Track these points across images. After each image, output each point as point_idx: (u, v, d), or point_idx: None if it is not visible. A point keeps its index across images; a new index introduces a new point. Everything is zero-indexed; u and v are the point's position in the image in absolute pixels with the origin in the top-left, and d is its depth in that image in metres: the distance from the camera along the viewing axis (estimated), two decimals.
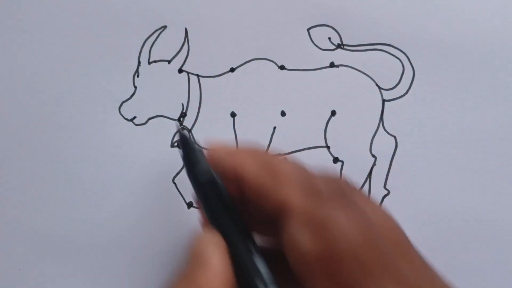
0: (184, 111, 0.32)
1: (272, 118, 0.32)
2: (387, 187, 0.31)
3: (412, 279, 0.19)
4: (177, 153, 0.32)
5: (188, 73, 0.32)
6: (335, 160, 0.31)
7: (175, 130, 0.32)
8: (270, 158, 0.23)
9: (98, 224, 0.31)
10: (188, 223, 0.31)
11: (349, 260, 0.18)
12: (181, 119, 0.32)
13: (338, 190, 0.21)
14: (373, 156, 0.31)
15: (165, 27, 0.32)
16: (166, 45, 0.32)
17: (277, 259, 0.21)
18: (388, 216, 0.22)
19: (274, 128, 0.32)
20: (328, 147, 0.32)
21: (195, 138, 0.32)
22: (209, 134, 0.32)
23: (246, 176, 0.22)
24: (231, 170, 0.23)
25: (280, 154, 0.30)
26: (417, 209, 0.31)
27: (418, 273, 0.20)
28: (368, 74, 0.32)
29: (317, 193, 0.20)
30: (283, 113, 0.32)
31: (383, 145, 0.31)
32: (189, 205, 0.31)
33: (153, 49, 0.32)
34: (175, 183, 0.31)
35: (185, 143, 0.25)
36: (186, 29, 0.32)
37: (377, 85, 0.32)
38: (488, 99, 0.32)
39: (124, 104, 0.32)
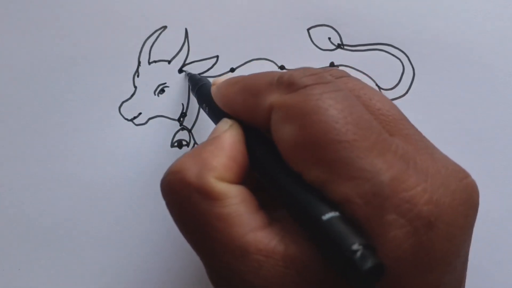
0: (184, 111, 0.32)
1: None
2: None
3: (401, 150, 0.18)
4: (177, 153, 0.32)
5: (188, 73, 0.32)
6: None
7: (175, 130, 0.32)
8: (244, 79, 0.23)
9: (98, 224, 0.31)
10: None
11: (329, 140, 0.18)
12: (181, 119, 0.32)
13: (314, 78, 0.20)
14: None
15: (165, 27, 0.32)
16: (166, 45, 0.32)
17: None
18: (380, 95, 0.21)
19: None
20: None
21: (195, 138, 0.32)
22: (209, 134, 0.32)
23: (234, 105, 0.22)
24: (223, 105, 0.23)
25: None
26: None
27: (409, 144, 0.19)
28: (368, 74, 0.32)
29: (292, 84, 0.20)
30: None
31: None
32: None
33: (153, 49, 0.32)
34: None
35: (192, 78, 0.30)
36: (186, 29, 0.32)
37: (377, 85, 0.32)
38: (488, 99, 0.32)
39: (124, 104, 0.32)
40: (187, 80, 0.32)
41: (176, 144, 0.32)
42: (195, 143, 0.32)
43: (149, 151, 0.32)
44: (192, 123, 0.32)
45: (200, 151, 0.21)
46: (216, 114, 0.24)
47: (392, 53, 0.32)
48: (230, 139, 0.21)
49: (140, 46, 0.32)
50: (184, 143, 0.32)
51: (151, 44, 0.32)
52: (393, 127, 0.20)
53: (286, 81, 0.20)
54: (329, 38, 0.32)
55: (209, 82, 0.29)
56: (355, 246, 0.16)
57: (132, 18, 0.32)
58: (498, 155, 0.31)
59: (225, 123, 0.22)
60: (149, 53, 0.32)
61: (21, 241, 0.31)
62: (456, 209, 0.18)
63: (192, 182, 0.19)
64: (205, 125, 0.32)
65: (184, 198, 0.20)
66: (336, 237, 0.17)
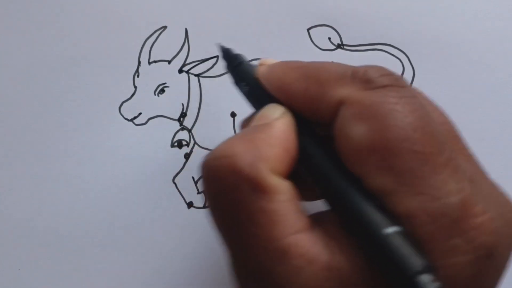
0: (184, 111, 0.32)
1: None
2: None
3: (468, 171, 0.18)
4: (177, 153, 0.32)
5: (188, 73, 0.32)
6: None
7: (175, 130, 0.32)
8: (309, 65, 0.21)
9: (97, 224, 0.31)
10: (188, 223, 0.31)
11: (404, 149, 0.17)
12: (181, 119, 0.32)
13: (392, 79, 0.19)
14: None
15: (165, 27, 0.32)
16: (166, 45, 0.32)
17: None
18: (441, 109, 0.20)
19: None
20: None
21: (195, 138, 0.32)
22: (209, 134, 0.32)
23: (292, 91, 0.20)
24: (276, 89, 0.21)
25: None
26: None
27: (472, 166, 0.19)
28: None
29: (369, 81, 0.18)
30: None
31: None
32: (189, 205, 0.31)
33: (153, 49, 0.32)
34: (175, 183, 0.31)
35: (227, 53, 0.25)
36: (186, 29, 0.32)
37: None
38: (488, 99, 0.32)
39: (124, 104, 0.32)
40: (219, 52, 0.27)
41: (176, 144, 0.32)
42: (195, 143, 0.32)
43: (149, 151, 0.32)
44: (192, 123, 0.32)
45: (252, 137, 0.19)
46: (259, 97, 0.22)
47: (392, 53, 0.32)
48: (284, 129, 0.19)
49: (140, 46, 0.32)
50: (184, 143, 0.32)
51: (151, 44, 0.32)
52: (455, 145, 0.19)
53: (362, 77, 0.18)
54: (329, 38, 0.32)
55: (246, 60, 0.25)
56: (420, 268, 0.15)
57: (132, 18, 0.32)
58: (498, 155, 0.31)
59: (276, 109, 0.20)
60: (149, 53, 0.32)
61: (21, 241, 0.31)
62: (509, 241, 0.18)
63: (243, 170, 0.18)
64: (205, 125, 0.32)
65: (231, 186, 0.18)
66: (399, 254, 0.16)
